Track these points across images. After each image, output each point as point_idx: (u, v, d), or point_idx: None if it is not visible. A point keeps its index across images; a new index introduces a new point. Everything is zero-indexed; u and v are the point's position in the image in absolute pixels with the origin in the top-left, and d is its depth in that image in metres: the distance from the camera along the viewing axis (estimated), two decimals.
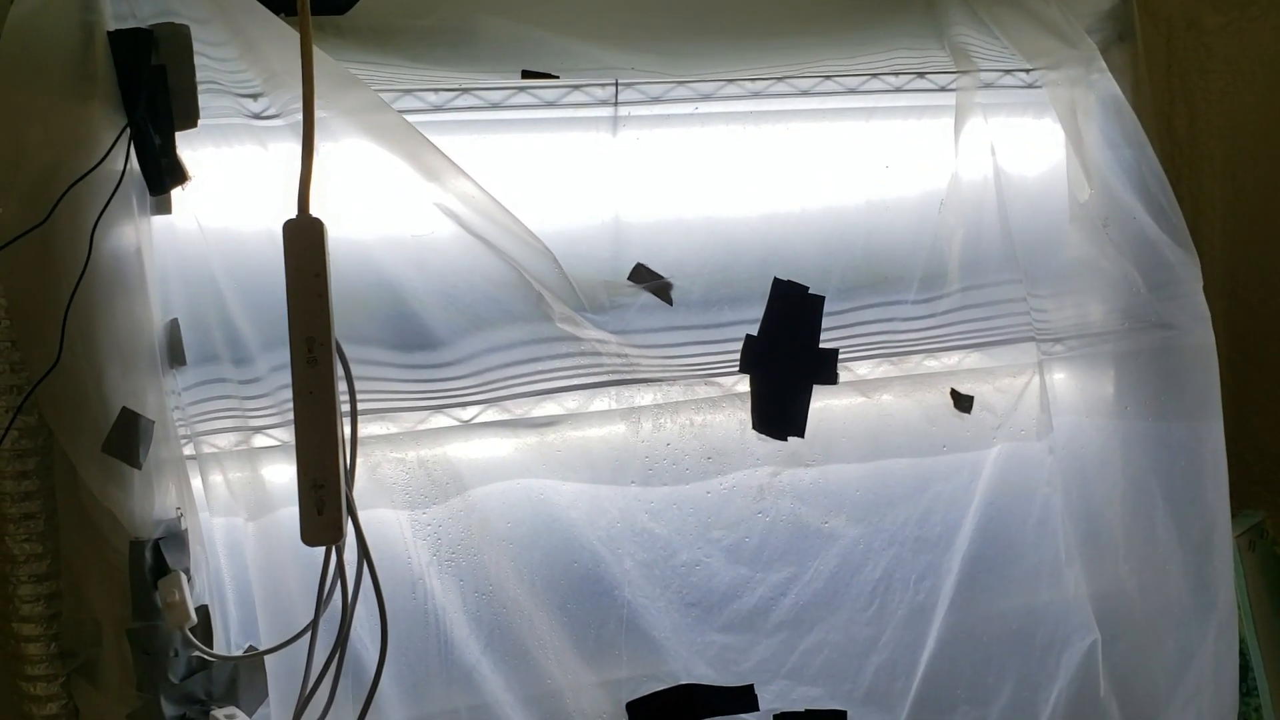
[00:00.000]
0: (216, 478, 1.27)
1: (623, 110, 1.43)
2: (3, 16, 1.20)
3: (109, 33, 1.18)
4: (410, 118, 1.29)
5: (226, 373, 1.27)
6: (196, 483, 1.26)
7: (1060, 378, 1.65)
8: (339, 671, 1.22)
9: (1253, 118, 1.89)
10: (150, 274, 1.22)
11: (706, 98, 1.47)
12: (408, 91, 1.34)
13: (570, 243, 1.38)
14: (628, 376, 1.42)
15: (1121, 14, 1.66)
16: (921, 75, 1.55)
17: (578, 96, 1.41)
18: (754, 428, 1.47)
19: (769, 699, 1.48)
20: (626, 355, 1.41)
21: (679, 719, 1.45)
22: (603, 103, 1.42)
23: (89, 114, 1.17)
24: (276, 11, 1.24)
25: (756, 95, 1.48)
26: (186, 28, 1.20)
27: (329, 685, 1.22)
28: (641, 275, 1.43)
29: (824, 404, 1.50)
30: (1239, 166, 1.91)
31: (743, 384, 1.47)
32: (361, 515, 1.21)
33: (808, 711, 1.50)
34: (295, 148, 1.15)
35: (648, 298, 1.43)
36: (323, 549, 1.19)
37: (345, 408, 1.19)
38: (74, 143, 1.17)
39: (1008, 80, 1.59)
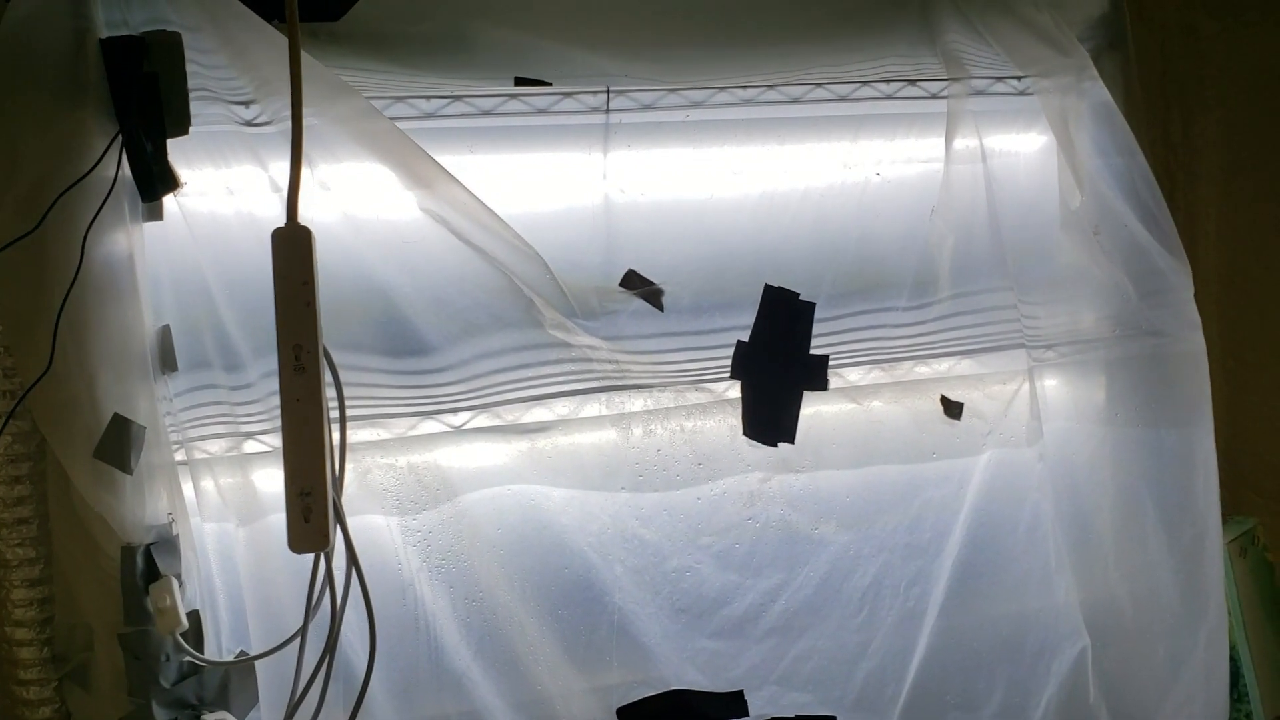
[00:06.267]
0: (208, 483, 1.28)
1: (614, 117, 1.43)
2: None
3: (101, 40, 1.19)
4: (402, 125, 1.29)
5: (218, 379, 1.27)
6: (188, 488, 1.27)
7: (1051, 384, 1.65)
8: (328, 676, 1.22)
9: (1248, 123, 1.89)
10: (142, 280, 1.22)
11: (698, 105, 1.47)
12: (400, 99, 1.35)
13: (562, 249, 1.39)
14: (619, 382, 1.43)
15: (1113, 21, 1.66)
16: (913, 83, 1.56)
17: (570, 104, 1.42)
18: (744, 434, 1.48)
19: (759, 705, 1.48)
20: (617, 361, 1.42)
21: None
22: (594, 110, 1.43)
23: (81, 121, 1.18)
24: (268, 19, 1.24)
25: (748, 103, 1.49)
26: (178, 35, 1.21)
27: (319, 690, 1.23)
28: (633, 281, 1.43)
29: (814, 410, 1.51)
30: (1234, 172, 1.91)
31: (733, 390, 1.48)
32: (352, 521, 1.22)
33: (798, 717, 1.50)
34: (287, 154, 1.15)
35: (639, 304, 1.43)
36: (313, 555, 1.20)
37: (334, 414, 1.20)
38: (66, 150, 1.18)
39: (999, 88, 1.59)
